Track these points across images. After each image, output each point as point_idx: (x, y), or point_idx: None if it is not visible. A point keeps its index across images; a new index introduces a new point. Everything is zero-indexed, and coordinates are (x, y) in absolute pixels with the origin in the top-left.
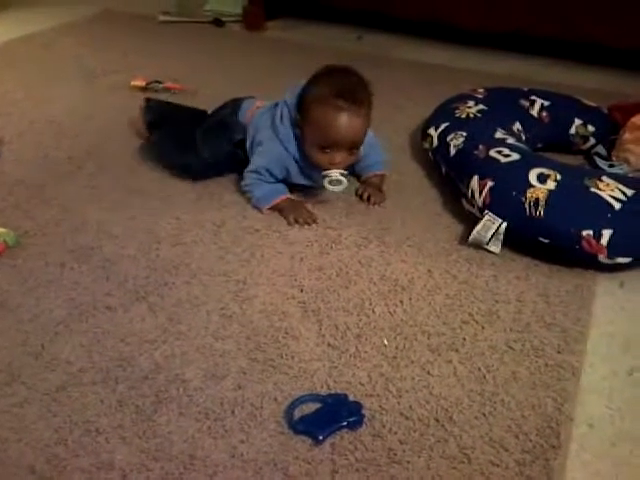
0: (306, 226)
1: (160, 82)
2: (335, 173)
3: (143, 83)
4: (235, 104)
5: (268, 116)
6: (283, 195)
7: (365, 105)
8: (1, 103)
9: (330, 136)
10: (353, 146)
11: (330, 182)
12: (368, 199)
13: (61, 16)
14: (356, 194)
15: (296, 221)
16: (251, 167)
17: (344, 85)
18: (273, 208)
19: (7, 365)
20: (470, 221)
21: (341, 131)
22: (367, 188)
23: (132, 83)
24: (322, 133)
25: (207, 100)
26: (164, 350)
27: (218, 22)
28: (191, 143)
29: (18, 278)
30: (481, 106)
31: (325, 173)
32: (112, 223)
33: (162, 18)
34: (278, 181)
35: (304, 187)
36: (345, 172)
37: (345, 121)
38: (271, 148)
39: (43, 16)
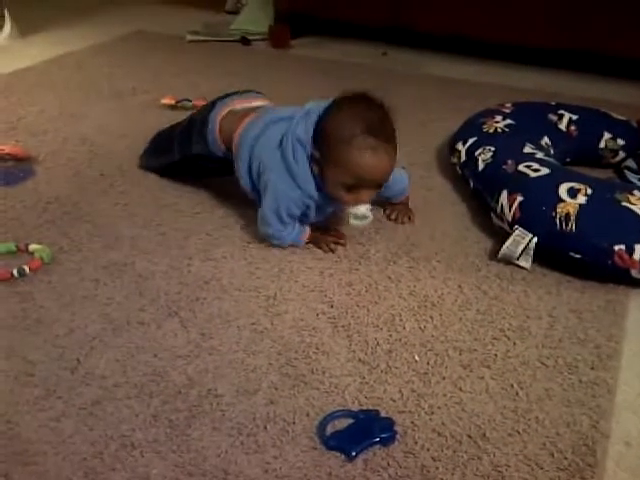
0: (340, 247)
1: (190, 100)
2: (362, 209)
3: (173, 101)
4: (207, 108)
5: (275, 148)
6: (305, 234)
7: (393, 138)
8: (36, 122)
9: (359, 177)
10: (383, 183)
11: (356, 217)
12: (397, 219)
13: (93, 37)
14: (385, 215)
15: (331, 249)
16: (269, 210)
17: (371, 119)
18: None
19: (44, 380)
20: (499, 236)
21: (372, 171)
22: (395, 209)
23: (162, 101)
24: (350, 175)
25: None
26: (197, 365)
27: (245, 41)
28: (167, 147)
29: (54, 294)
30: (509, 121)
31: (350, 210)
32: (144, 239)
33: (190, 38)
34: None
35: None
36: (369, 206)
37: (376, 161)
38: (289, 192)
39: (76, 37)
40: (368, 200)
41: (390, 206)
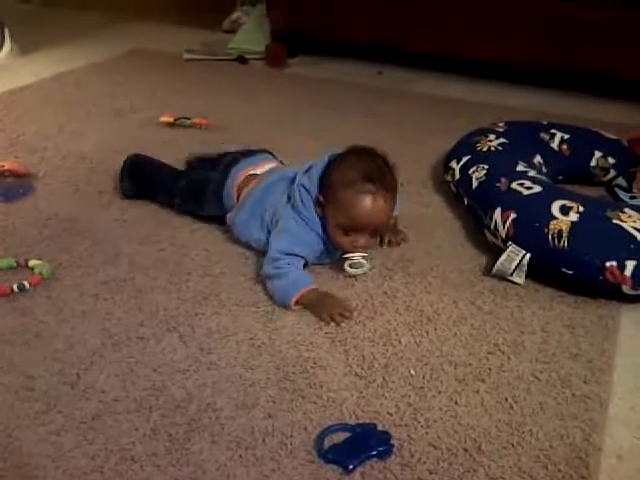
0: (345, 321)
1: (188, 118)
2: (357, 257)
3: (171, 119)
4: (225, 171)
5: (285, 203)
6: (310, 285)
7: (392, 189)
8: (35, 139)
9: (356, 220)
10: (377, 230)
11: (351, 265)
12: (389, 243)
13: (93, 55)
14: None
15: (332, 318)
16: (277, 248)
17: (372, 168)
18: (299, 302)
19: (44, 394)
20: (494, 252)
21: (367, 215)
22: (386, 236)
23: (161, 119)
24: (348, 216)
25: (233, 134)
26: (195, 380)
27: (242, 59)
28: (170, 187)
29: (53, 309)
30: (502, 139)
31: (347, 256)
32: (143, 255)
33: (187, 56)
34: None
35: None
36: (366, 255)
37: (372, 205)
38: (302, 234)
39: (75, 55)
40: (364, 246)
41: None
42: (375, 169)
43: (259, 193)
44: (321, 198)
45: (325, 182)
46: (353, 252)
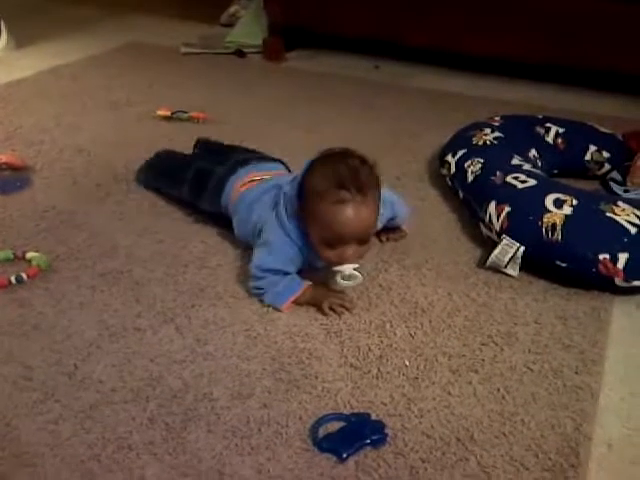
0: (345, 311)
1: (185, 112)
2: (348, 268)
3: (168, 113)
4: (232, 169)
5: (270, 210)
6: (302, 287)
7: (371, 191)
8: (33, 132)
9: (337, 233)
10: (364, 238)
11: (343, 277)
12: (388, 239)
13: (89, 48)
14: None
15: (332, 310)
16: (260, 264)
17: (344, 173)
18: (296, 302)
19: (42, 384)
20: (488, 245)
21: (348, 226)
22: (388, 232)
23: (158, 112)
24: (327, 230)
25: (231, 129)
26: (192, 370)
27: (239, 53)
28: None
29: (51, 300)
30: (497, 133)
31: (337, 269)
32: (140, 247)
33: (184, 50)
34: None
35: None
36: (358, 265)
37: (351, 215)
38: (284, 248)
39: (72, 49)
40: (354, 257)
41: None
42: (347, 173)
43: (251, 198)
44: (300, 211)
45: (301, 192)
46: (342, 265)
